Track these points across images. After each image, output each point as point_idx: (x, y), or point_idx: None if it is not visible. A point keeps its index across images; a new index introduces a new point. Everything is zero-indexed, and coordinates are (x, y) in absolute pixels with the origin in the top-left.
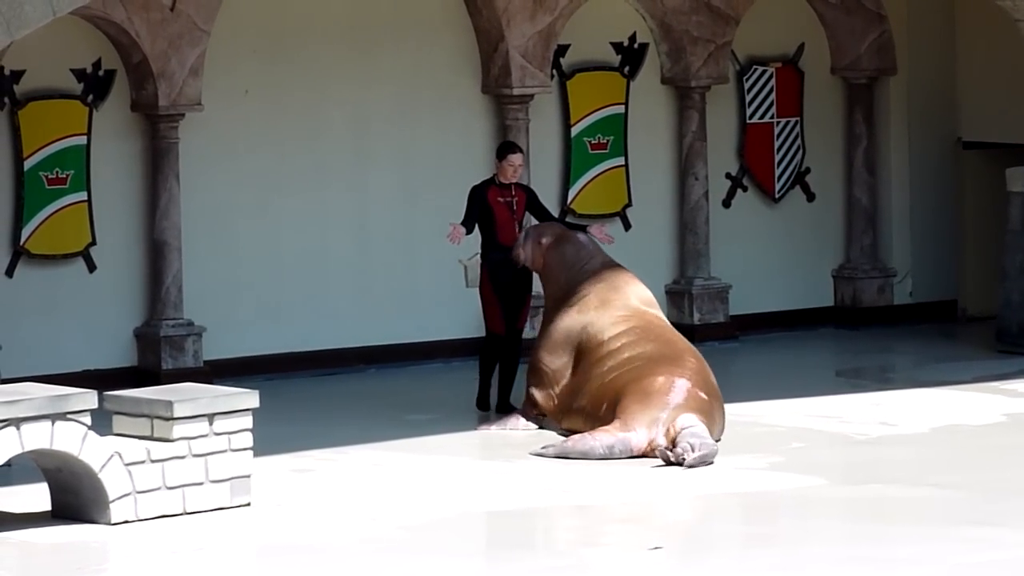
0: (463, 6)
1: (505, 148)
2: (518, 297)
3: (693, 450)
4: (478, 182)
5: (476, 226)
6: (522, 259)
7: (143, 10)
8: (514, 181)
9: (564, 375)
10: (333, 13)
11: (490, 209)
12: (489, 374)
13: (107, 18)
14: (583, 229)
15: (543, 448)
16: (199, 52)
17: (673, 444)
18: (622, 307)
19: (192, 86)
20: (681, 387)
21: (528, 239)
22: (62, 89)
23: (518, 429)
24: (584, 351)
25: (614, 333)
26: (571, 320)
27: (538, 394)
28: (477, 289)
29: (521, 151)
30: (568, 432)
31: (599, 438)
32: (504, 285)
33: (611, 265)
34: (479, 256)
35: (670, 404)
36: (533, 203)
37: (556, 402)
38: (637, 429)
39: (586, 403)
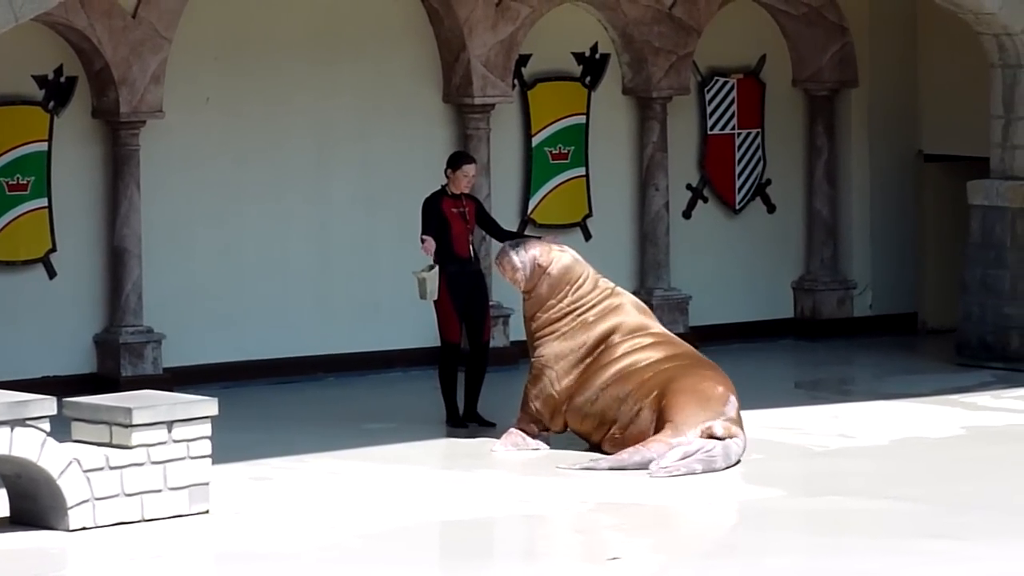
0: (425, 15)
1: (459, 158)
2: (478, 308)
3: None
4: (428, 194)
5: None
6: (515, 276)
7: (105, 17)
8: (466, 192)
9: (567, 375)
10: (294, 22)
11: (446, 220)
12: (454, 387)
13: (69, 25)
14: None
15: (590, 462)
16: (160, 59)
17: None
18: (630, 317)
19: (153, 93)
20: (734, 401)
21: (525, 257)
22: (23, 95)
23: (537, 448)
24: (594, 360)
25: (626, 337)
26: (580, 337)
27: (545, 397)
28: (432, 302)
29: (475, 162)
30: (585, 438)
31: (654, 448)
32: (463, 296)
33: (604, 279)
34: (437, 268)
35: (725, 414)
36: (481, 214)
37: (559, 398)
38: (688, 434)
39: (606, 406)
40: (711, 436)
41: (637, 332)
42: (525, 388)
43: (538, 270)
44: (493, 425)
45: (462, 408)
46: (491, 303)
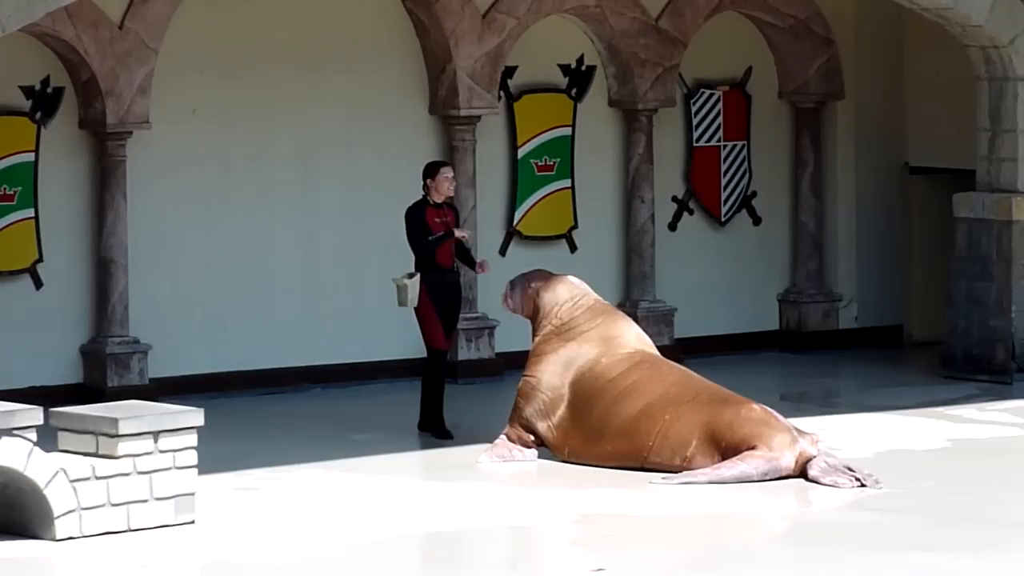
0: (411, 27)
1: (435, 165)
2: (452, 317)
3: (851, 470)
4: (410, 204)
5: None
6: (511, 309)
7: (92, 28)
8: (449, 198)
9: (559, 405)
10: (282, 33)
11: (428, 230)
12: (439, 396)
13: (56, 36)
14: (473, 266)
15: (687, 476)
16: (147, 70)
17: (805, 466)
18: (626, 344)
19: (140, 104)
20: (776, 413)
21: (516, 288)
22: (10, 106)
23: (527, 460)
24: (593, 387)
25: (625, 369)
26: (571, 352)
27: (539, 424)
28: (412, 309)
29: (451, 164)
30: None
31: (753, 464)
32: (442, 304)
33: (603, 303)
34: (418, 276)
35: (790, 427)
36: (458, 222)
37: (556, 434)
38: (785, 453)
39: (629, 441)
40: (808, 459)
41: (632, 359)
42: (516, 402)
43: (529, 294)
44: (451, 437)
45: (421, 416)
46: (477, 315)
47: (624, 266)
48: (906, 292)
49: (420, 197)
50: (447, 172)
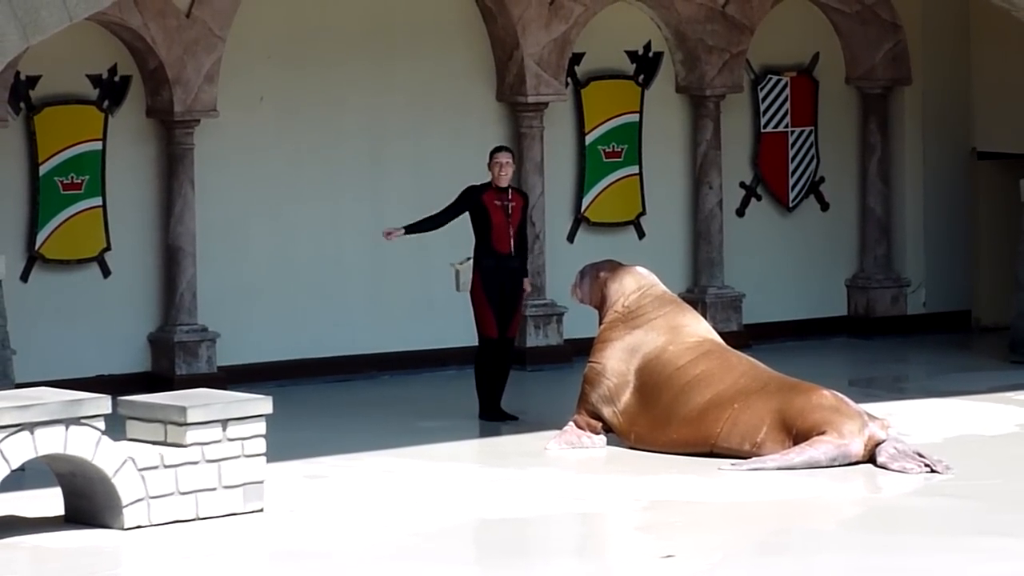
0: (478, 14)
1: (494, 150)
2: (510, 304)
3: (921, 455)
4: (474, 184)
5: (467, 228)
6: (579, 299)
7: (159, 16)
8: (509, 184)
9: (625, 391)
10: (349, 20)
11: (486, 211)
12: (488, 382)
13: (123, 24)
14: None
15: (756, 462)
16: (215, 58)
17: (874, 451)
18: (693, 333)
19: (207, 92)
20: (848, 399)
21: (586, 278)
22: (78, 95)
23: (595, 446)
24: (660, 375)
25: (693, 358)
26: (637, 339)
27: (605, 409)
28: (468, 294)
29: (508, 151)
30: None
31: (822, 449)
32: (497, 292)
33: (671, 295)
34: (471, 260)
35: (861, 412)
36: (524, 214)
37: (621, 420)
38: (854, 440)
39: (696, 429)
40: (877, 443)
41: (700, 348)
42: (583, 388)
43: (598, 283)
44: (516, 419)
45: (480, 405)
46: (545, 302)
47: (692, 252)
48: (974, 277)
49: (487, 180)
50: (499, 158)
